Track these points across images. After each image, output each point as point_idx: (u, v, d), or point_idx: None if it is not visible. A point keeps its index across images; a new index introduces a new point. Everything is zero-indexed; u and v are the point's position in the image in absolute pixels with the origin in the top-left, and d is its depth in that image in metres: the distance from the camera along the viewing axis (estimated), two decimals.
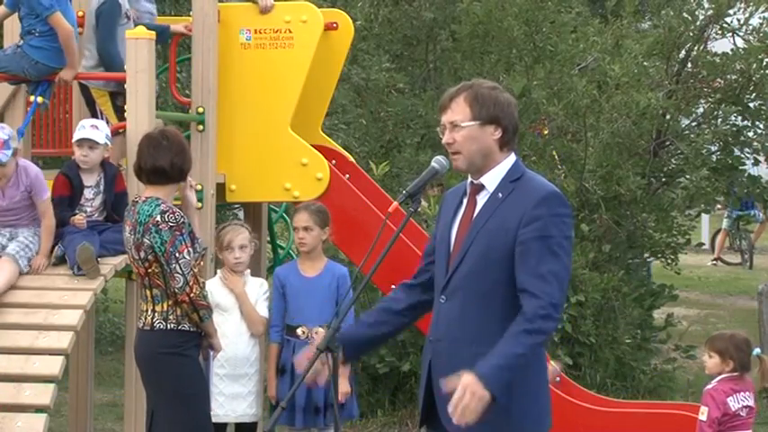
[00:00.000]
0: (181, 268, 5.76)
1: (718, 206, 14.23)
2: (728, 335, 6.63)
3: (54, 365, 5.94)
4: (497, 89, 4.44)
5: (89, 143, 6.69)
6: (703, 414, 6.35)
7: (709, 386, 6.48)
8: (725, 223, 19.37)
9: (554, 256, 4.25)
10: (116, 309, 12.51)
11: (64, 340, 6.06)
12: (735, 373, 6.43)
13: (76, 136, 6.72)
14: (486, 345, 4.26)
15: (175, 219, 5.80)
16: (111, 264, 6.50)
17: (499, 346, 4.17)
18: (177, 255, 5.76)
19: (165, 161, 5.86)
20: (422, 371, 4.53)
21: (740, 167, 10.59)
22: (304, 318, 6.77)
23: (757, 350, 6.62)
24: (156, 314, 5.85)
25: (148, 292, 5.89)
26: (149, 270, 5.84)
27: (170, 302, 5.83)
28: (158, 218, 5.78)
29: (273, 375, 6.87)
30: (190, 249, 5.81)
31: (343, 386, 6.74)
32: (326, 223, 6.89)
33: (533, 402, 4.35)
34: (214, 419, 6.29)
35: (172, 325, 5.83)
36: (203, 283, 5.98)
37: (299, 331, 6.78)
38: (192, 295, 5.77)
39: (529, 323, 4.18)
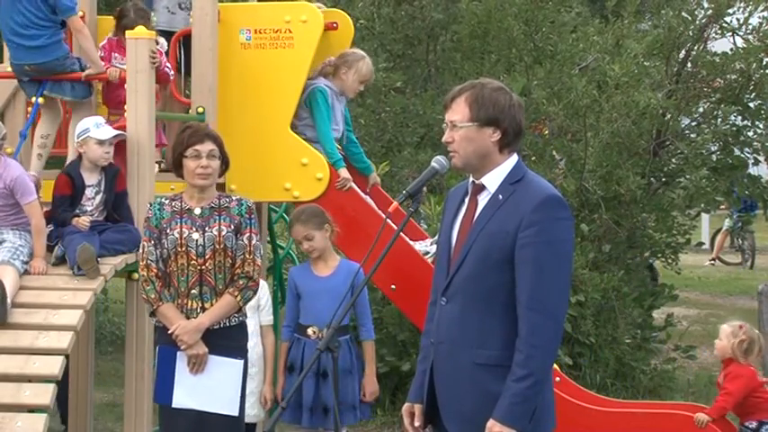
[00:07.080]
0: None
1: (722, 206, 14.22)
2: None
3: (54, 365, 5.93)
4: (501, 90, 4.39)
5: (111, 140, 6.71)
6: None
7: None
8: (726, 223, 19.37)
9: (554, 260, 4.24)
10: (116, 309, 12.51)
11: (64, 340, 6.05)
12: None
13: (105, 134, 6.68)
14: (487, 347, 4.27)
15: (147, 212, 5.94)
16: (111, 264, 6.49)
17: (508, 381, 4.17)
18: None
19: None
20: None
21: (742, 168, 10.58)
22: (315, 317, 6.71)
23: None
24: None
25: None
26: None
27: None
28: None
29: (282, 373, 6.87)
30: (146, 244, 5.85)
31: (371, 385, 6.78)
32: (324, 221, 6.81)
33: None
34: None
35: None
36: (166, 280, 5.84)
37: (309, 331, 6.76)
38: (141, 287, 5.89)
39: (531, 347, 4.17)
